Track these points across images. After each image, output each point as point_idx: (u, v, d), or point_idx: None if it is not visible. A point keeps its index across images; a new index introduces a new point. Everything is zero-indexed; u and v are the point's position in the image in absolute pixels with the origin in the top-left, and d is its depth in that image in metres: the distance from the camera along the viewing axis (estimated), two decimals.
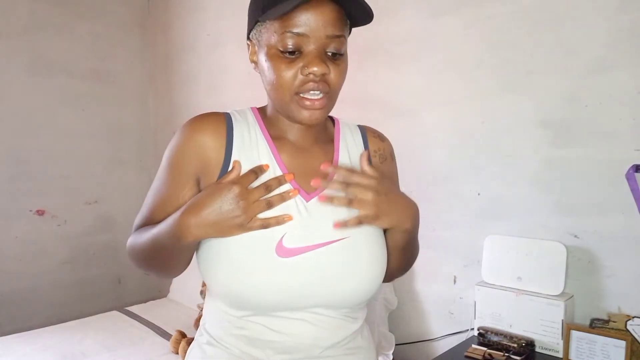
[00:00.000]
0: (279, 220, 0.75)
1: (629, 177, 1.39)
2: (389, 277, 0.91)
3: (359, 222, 0.75)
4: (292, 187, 0.78)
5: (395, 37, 1.98)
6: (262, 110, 0.87)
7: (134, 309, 2.55)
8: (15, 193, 2.68)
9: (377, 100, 2.05)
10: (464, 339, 1.72)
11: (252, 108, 0.87)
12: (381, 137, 0.93)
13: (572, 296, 1.52)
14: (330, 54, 0.75)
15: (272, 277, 0.73)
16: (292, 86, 0.74)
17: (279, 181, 0.76)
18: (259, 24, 0.77)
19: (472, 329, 1.66)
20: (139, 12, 3.23)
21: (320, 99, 0.75)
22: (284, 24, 0.73)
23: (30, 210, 2.75)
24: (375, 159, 0.89)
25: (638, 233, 1.43)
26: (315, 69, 0.72)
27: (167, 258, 0.80)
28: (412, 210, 0.81)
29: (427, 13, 1.88)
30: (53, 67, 2.81)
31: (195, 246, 0.79)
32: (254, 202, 0.73)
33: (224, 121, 0.81)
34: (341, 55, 0.76)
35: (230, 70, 2.69)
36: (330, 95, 0.77)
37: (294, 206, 0.78)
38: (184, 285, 2.63)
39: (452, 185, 1.83)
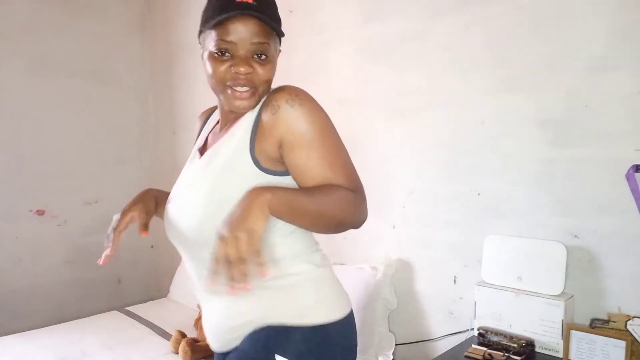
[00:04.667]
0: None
1: (629, 177, 1.39)
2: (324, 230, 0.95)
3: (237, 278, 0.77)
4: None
5: (395, 36, 1.98)
6: None
7: (134, 309, 2.55)
8: (15, 193, 2.68)
9: (377, 101, 2.05)
10: (464, 339, 1.72)
11: None
12: (279, 89, 0.95)
13: (572, 296, 1.51)
14: (257, 56, 0.92)
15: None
16: (224, 79, 0.93)
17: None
18: (203, 32, 0.96)
19: (472, 329, 1.66)
20: (139, 12, 3.22)
21: (247, 91, 0.93)
22: (219, 33, 0.91)
23: (30, 210, 2.75)
24: (267, 112, 0.93)
25: (638, 233, 1.43)
26: (240, 69, 0.91)
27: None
28: (257, 204, 0.81)
29: (427, 13, 1.88)
30: (53, 67, 2.81)
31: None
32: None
33: (210, 112, 1.18)
34: (266, 57, 0.93)
35: None
36: (257, 89, 0.94)
37: (189, 163, 1.08)
38: (184, 285, 2.63)
39: (452, 185, 1.83)
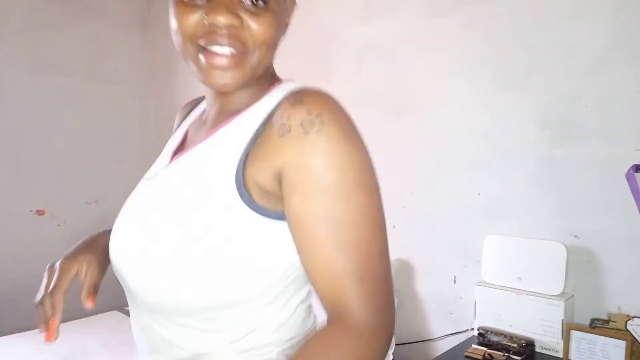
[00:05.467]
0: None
1: (629, 177, 1.39)
2: None
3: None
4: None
5: (395, 36, 1.98)
6: None
7: None
8: (15, 193, 2.68)
9: (377, 100, 2.05)
10: (464, 339, 1.72)
11: None
12: (296, 102, 0.59)
13: (572, 296, 1.51)
14: (250, 2, 0.59)
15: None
16: (193, 35, 0.61)
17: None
18: None
19: (472, 329, 1.66)
20: (139, 12, 3.22)
21: (231, 55, 0.60)
22: None
23: (30, 210, 2.75)
24: (274, 126, 0.59)
25: (638, 233, 1.43)
26: (219, 18, 0.57)
27: None
28: None
29: (427, 12, 1.88)
30: (53, 66, 2.81)
31: None
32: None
33: (196, 102, 0.87)
34: (265, 4, 0.60)
35: None
36: (247, 54, 0.61)
37: (154, 167, 0.76)
38: None
39: (452, 185, 1.83)
